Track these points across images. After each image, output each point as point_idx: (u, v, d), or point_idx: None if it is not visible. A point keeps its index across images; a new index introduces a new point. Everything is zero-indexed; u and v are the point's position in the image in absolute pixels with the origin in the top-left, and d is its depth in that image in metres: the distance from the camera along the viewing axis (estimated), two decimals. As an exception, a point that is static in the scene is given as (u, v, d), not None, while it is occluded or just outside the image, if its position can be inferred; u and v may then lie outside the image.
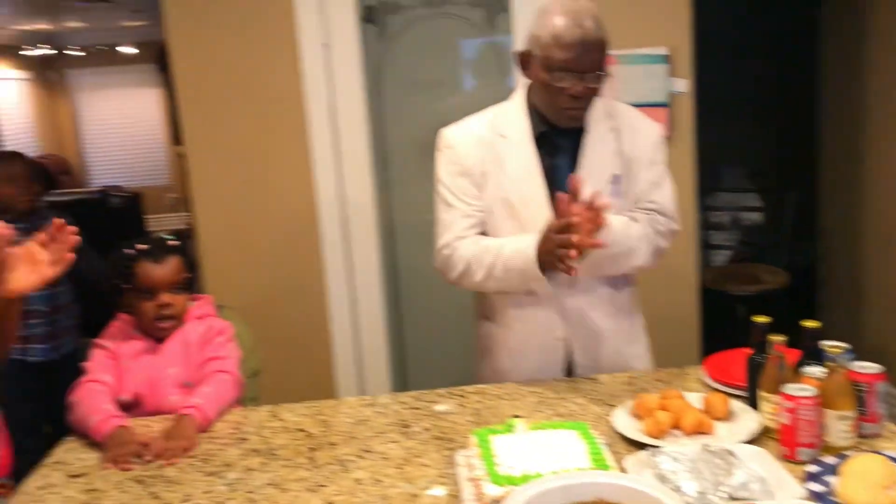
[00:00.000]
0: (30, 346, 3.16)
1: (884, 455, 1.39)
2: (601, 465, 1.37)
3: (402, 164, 3.23)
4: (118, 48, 9.42)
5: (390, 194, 3.25)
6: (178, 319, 1.95)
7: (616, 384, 1.85)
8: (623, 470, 1.41)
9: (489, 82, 3.21)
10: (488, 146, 1.93)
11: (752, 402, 1.62)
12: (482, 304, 2.09)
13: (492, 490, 1.32)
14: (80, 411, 1.79)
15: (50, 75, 9.67)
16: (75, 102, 9.76)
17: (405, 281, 3.30)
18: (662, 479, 1.33)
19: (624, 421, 1.61)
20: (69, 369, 3.19)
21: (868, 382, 1.51)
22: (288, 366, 3.15)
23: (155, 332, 1.93)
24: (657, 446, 1.45)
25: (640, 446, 1.50)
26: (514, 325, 1.99)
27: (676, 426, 1.55)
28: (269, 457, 1.61)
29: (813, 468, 1.40)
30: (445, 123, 2.04)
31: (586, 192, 1.74)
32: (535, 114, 1.92)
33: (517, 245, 1.85)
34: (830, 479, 1.35)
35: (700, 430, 1.54)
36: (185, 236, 2.15)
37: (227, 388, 1.87)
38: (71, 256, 1.54)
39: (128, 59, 9.52)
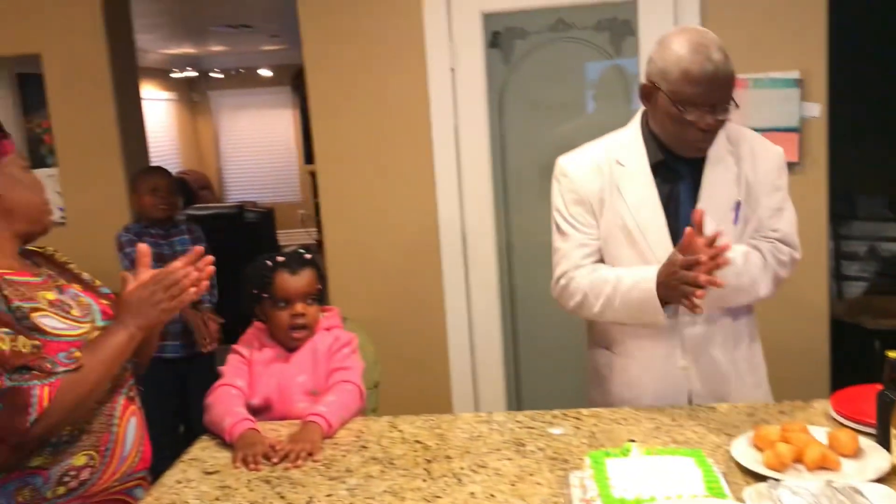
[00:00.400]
0: (166, 344, 3.37)
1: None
2: (717, 493, 1.35)
3: (523, 186, 3.27)
4: (257, 71, 9.91)
5: (509, 216, 3.29)
6: (310, 329, 2.04)
7: (736, 414, 1.82)
8: (740, 500, 1.38)
9: (612, 106, 3.21)
10: (605, 174, 1.93)
11: (883, 441, 1.56)
12: (597, 332, 2.08)
13: (604, 511, 1.32)
14: (215, 413, 1.91)
15: (194, 96, 10.29)
16: (216, 122, 10.34)
17: (522, 302, 3.33)
18: (781, 512, 1.30)
19: (743, 451, 1.58)
20: (201, 374, 3.41)
21: None
22: (406, 379, 3.23)
23: (288, 341, 2.04)
24: (777, 479, 1.42)
25: (759, 478, 1.46)
26: (634, 355, 1.97)
27: (798, 460, 1.51)
28: (388, 465, 1.67)
29: (947, 513, 1.33)
30: (567, 147, 2.06)
31: (709, 226, 1.73)
32: (653, 141, 1.90)
33: (636, 277, 1.84)
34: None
35: (824, 466, 1.49)
36: (313, 251, 2.26)
37: (351, 399, 1.95)
38: (206, 284, 1.68)
39: (265, 82, 10.01)
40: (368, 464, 1.69)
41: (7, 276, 1.55)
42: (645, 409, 1.88)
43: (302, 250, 2.13)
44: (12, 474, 1.53)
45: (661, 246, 1.87)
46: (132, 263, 3.23)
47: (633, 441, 1.61)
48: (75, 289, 1.69)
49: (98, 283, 1.79)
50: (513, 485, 1.55)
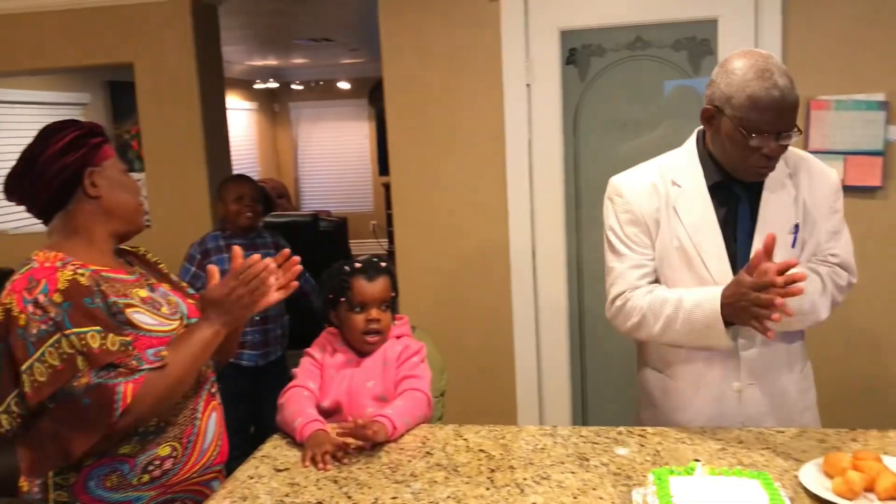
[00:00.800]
0: (243, 352, 3.48)
1: None
2: (783, 517, 1.34)
3: (595, 203, 3.25)
4: (336, 83, 10.13)
5: (580, 232, 3.30)
6: (382, 335, 2.10)
7: (805, 439, 1.79)
8: (806, 526, 1.37)
9: (688, 125, 3.15)
10: (661, 194, 1.93)
11: (960, 474, 1.51)
12: (649, 354, 2.07)
13: (666, 528, 1.33)
14: (287, 413, 1.97)
15: (275, 107, 10.58)
16: (295, 132, 10.60)
17: (590, 318, 3.33)
18: (849, 539, 1.28)
19: (811, 477, 1.55)
20: (274, 375, 3.50)
21: None
22: (472, 389, 3.26)
23: (361, 346, 2.09)
24: (846, 507, 1.40)
25: (827, 505, 1.45)
26: (687, 377, 1.96)
27: (869, 489, 1.48)
28: (452, 472, 1.70)
29: None
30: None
31: (777, 254, 1.72)
32: (711, 162, 1.90)
33: (699, 297, 1.83)
34: None
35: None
36: (384, 260, 2.31)
37: (418, 406, 1.99)
38: (295, 285, 1.75)
39: (343, 94, 10.22)
40: (433, 469, 1.72)
41: (104, 273, 1.64)
42: (711, 430, 1.86)
43: (376, 258, 2.19)
44: (102, 460, 1.62)
45: (719, 268, 1.86)
46: (189, 278, 3.32)
47: (697, 460, 1.61)
48: (165, 288, 1.78)
49: (184, 284, 1.88)
50: (575, 498, 1.56)
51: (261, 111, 10.31)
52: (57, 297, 1.53)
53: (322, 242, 6.35)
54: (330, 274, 2.13)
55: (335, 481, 1.68)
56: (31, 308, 1.52)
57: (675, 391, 1.99)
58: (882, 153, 2.93)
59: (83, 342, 1.52)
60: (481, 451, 1.81)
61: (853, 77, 2.95)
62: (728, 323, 1.79)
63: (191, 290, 1.88)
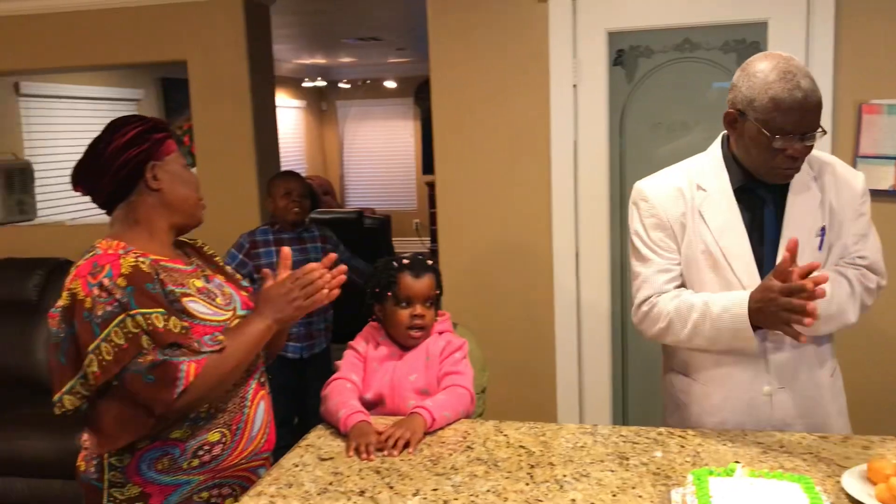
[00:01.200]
0: (288, 344, 3.54)
1: None
2: (823, 521, 1.34)
3: (641, 204, 3.26)
4: (382, 82, 10.21)
5: (624, 234, 3.28)
6: (426, 330, 2.13)
7: (850, 446, 1.78)
8: (847, 531, 1.36)
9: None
10: (686, 199, 1.93)
11: None
12: (675, 358, 2.07)
13: (705, 528, 1.33)
14: (330, 404, 2.02)
15: (322, 105, 10.70)
16: (341, 130, 10.70)
17: (632, 319, 3.31)
18: (890, 545, 1.28)
19: (854, 483, 1.55)
20: (318, 368, 3.57)
21: None
22: (512, 387, 3.28)
23: (405, 340, 2.13)
24: (888, 513, 1.39)
25: (870, 511, 1.44)
26: (716, 381, 1.96)
27: (913, 496, 1.47)
28: (492, 467, 1.73)
29: None
30: (685, 167, 2.06)
31: (804, 257, 1.72)
32: (736, 166, 1.90)
33: (726, 302, 1.82)
34: None
35: (940, 504, 1.45)
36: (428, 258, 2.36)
37: (460, 401, 2.02)
38: (338, 292, 1.80)
39: (389, 93, 10.30)
40: (473, 464, 1.75)
41: (163, 263, 1.71)
42: (752, 433, 1.86)
43: (422, 256, 2.23)
44: (155, 443, 1.68)
45: (746, 271, 1.86)
46: (239, 267, 3.40)
47: (738, 462, 1.61)
48: (220, 279, 1.85)
49: (238, 276, 1.95)
50: (614, 496, 1.58)
51: (309, 109, 10.43)
52: (121, 281, 1.59)
53: (366, 239, 6.41)
54: (378, 268, 2.18)
55: (378, 472, 1.72)
56: (96, 291, 1.58)
57: (703, 395, 1.99)
58: (935, 159, 2.88)
59: (148, 321, 1.59)
60: (521, 447, 1.83)
61: (907, 81, 2.90)
62: (755, 327, 1.79)
63: (244, 283, 1.94)
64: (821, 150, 2.87)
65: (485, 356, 2.49)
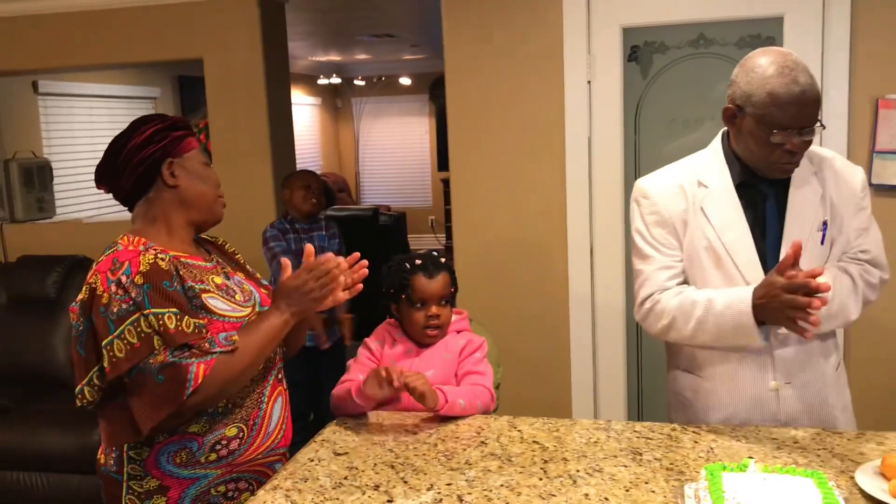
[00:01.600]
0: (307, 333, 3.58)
1: None
2: (836, 516, 1.34)
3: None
4: (397, 79, 10.23)
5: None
6: (442, 329, 2.14)
7: (864, 442, 1.77)
8: (860, 526, 1.36)
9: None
10: (688, 195, 1.93)
11: None
12: (679, 355, 2.07)
13: (717, 522, 1.34)
14: (338, 394, 2.06)
15: (337, 102, 10.73)
16: (356, 127, 10.72)
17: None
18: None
19: (868, 478, 1.54)
20: (333, 360, 3.61)
21: None
22: (527, 383, 3.29)
23: (422, 339, 2.14)
24: (902, 508, 1.39)
25: (883, 506, 1.44)
26: (721, 377, 1.96)
27: (927, 492, 1.47)
28: (506, 462, 1.74)
29: None
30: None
31: (806, 251, 1.75)
32: (736, 162, 1.90)
33: (729, 299, 1.82)
34: None
35: (954, 500, 1.45)
36: (442, 255, 2.36)
37: (478, 395, 2.03)
38: (360, 288, 1.81)
39: (403, 90, 10.31)
40: (487, 459, 1.76)
41: (183, 259, 1.74)
42: (766, 429, 1.86)
43: (436, 253, 2.23)
44: (173, 437, 1.70)
45: (750, 267, 1.86)
46: (274, 257, 3.49)
47: (751, 458, 1.61)
48: (240, 276, 1.87)
49: (258, 275, 1.97)
50: (627, 490, 1.58)
51: (324, 106, 10.47)
52: (138, 279, 1.62)
53: (381, 236, 6.44)
54: (390, 269, 2.17)
55: (392, 466, 1.73)
56: (113, 288, 1.61)
57: (709, 392, 1.98)
58: (953, 154, 2.86)
59: (160, 322, 1.61)
60: (535, 442, 1.84)
61: (924, 76, 2.88)
62: (760, 322, 1.79)
63: (264, 281, 1.96)
64: (836, 145, 2.87)
65: (499, 352, 2.50)
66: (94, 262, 1.69)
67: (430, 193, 10.37)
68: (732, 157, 1.92)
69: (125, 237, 1.73)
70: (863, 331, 2.31)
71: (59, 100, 6.00)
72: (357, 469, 1.73)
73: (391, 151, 10.62)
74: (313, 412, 3.81)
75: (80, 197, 5.99)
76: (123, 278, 1.62)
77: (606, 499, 1.55)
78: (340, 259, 1.77)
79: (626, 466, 1.69)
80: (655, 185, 1.98)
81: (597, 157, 3.24)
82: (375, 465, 1.75)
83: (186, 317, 1.64)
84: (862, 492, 1.51)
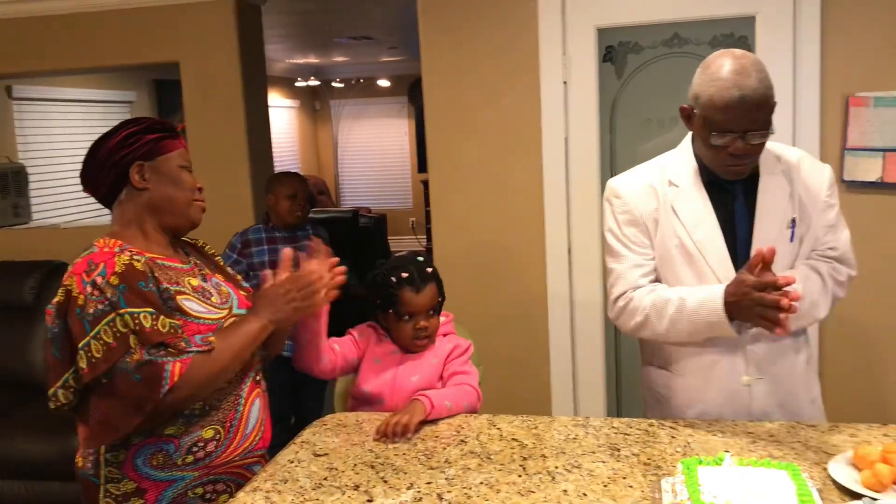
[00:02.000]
0: (285, 342, 3.55)
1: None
2: (809, 506, 1.36)
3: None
4: (376, 81, 10.22)
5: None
6: (431, 339, 2.14)
7: (837, 434, 1.80)
8: (833, 516, 1.39)
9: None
10: (659, 195, 1.95)
11: None
12: (653, 352, 2.09)
13: (693, 515, 1.36)
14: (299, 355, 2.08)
15: (316, 104, 10.71)
16: (335, 129, 10.71)
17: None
18: (875, 529, 1.30)
19: (840, 470, 1.57)
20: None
21: None
22: (507, 382, 3.30)
23: (410, 348, 2.13)
24: (874, 498, 1.42)
25: (855, 497, 1.46)
26: (695, 373, 1.98)
27: (898, 482, 1.50)
28: (485, 460, 1.75)
29: None
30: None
31: (767, 244, 1.76)
32: (702, 161, 1.92)
33: (701, 296, 1.85)
34: None
35: (924, 489, 1.47)
36: (423, 257, 2.34)
37: (464, 395, 2.04)
38: (335, 294, 1.83)
39: (382, 92, 10.30)
40: (467, 457, 1.77)
41: (158, 261, 1.74)
42: (742, 423, 1.88)
43: (421, 258, 2.20)
44: (149, 439, 1.70)
45: (720, 264, 1.89)
46: (233, 265, 3.42)
47: (727, 452, 1.63)
48: (218, 278, 1.87)
49: (239, 277, 1.97)
50: (605, 486, 1.60)
51: (302, 109, 10.44)
52: (114, 280, 1.62)
53: (361, 239, 6.43)
54: (376, 281, 2.14)
55: (372, 466, 1.74)
56: (89, 289, 1.61)
57: (682, 388, 2.01)
58: (923, 150, 2.91)
59: (136, 321, 1.61)
60: (514, 439, 1.85)
61: (892, 73, 2.92)
62: (732, 318, 1.82)
63: (245, 283, 1.96)
64: (808, 143, 2.90)
65: (479, 352, 2.51)
66: (70, 264, 1.69)
67: (411, 195, 10.37)
68: (699, 157, 1.94)
69: (101, 240, 1.73)
70: (833, 325, 2.35)
71: (34, 104, 5.95)
72: (337, 470, 1.73)
73: (371, 153, 10.61)
74: (294, 415, 3.80)
75: (56, 202, 5.94)
76: (99, 279, 1.62)
77: (585, 494, 1.57)
78: (324, 270, 1.79)
79: (604, 462, 1.71)
80: (626, 185, 2.00)
81: (573, 157, 3.27)
82: (355, 465, 1.75)
83: (162, 316, 1.65)
84: (835, 483, 1.54)
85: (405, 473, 1.70)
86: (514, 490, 1.60)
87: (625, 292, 1.97)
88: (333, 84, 10.48)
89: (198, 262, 1.87)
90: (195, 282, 1.78)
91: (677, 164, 1.97)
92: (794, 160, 1.95)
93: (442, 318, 2.19)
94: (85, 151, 1.79)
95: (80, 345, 1.61)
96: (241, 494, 1.64)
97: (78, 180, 1.82)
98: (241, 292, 1.89)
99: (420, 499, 1.57)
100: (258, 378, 1.88)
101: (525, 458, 1.75)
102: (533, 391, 3.38)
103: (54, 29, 4.07)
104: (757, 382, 1.94)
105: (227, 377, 1.74)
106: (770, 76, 1.78)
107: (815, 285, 1.89)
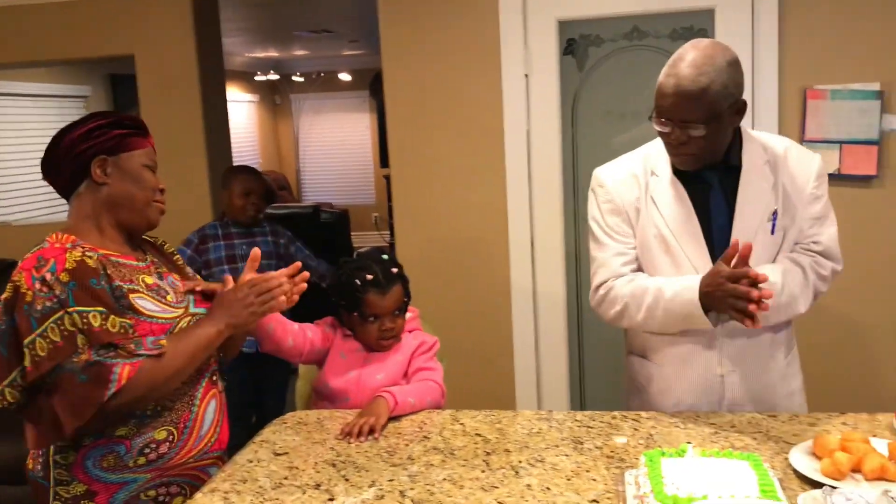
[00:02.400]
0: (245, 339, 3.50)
1: None
2: (771, 496, 1.36)
3: (594, 192, 3.28)
4: (337, 75, 10.14)
5: (578, 222, 3.32)
6: (396, 338, 2.11)
7: (797, 423, 1.81)
8: (794, 505, 1.39)
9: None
10: (640, 184, 1.96)
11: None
12: (634, 341, 2.10)
13: (656, 508, 1.35)
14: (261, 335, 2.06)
15: (276, 99, 10.59)
16: (296, 124, 10.61)
17: (588, 307, 3.34)
18: (835, 518, 1.31)
19: (801, 459, 1.58)
20: (275, 364, 3.52)
21: None
22: (471, 377, 3.29)
23: (376, 349, 2.11)
24: (834, 486, 1.42)
25: (816, 486, 1.47)
26: (672, 363, 1.99)
27: (857, 469, 1.51)
28: (449, 456, 1.73)
29: None
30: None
31: (746, 236, 1.79)
32: None
33: (678, 287, 1.85)
34: None
35: (882, 477, 1.48)
36: (386, 252, 2.31)
37: (428, 391, 2.02)
38: (295, 299, 1.79)
39: (344, 86, 10.23)
40: (430, 453, 1.75)
41: (112, 258, 1.69)
42: (704, 414, 1.89)
43: (385, 256, 2.17)
44: (100, 440, 1.65)
45: (697, 254, 1.89)
46: (190, 262, 3.37)
47: (689, 443, 1.63)
48: (174, 277, 1.82)
49: (198, 277, 1.93)
50: (568, 480, 1.59)
51: (262, 103, 10.32)
52: (63, 277, 1.57)
53: (323, 234, 6.36)
54: (340, 281, 2.11)
55: (333, 465, 1.71)
56: (37, 285, 1.57)
57: (660, 377, 2.02)
58: (877, 142, 2.94)
59: (85, 320, 1.57)
60: (478, 434, 1.84)
61: (849, 67, 2.96)
62: (708, 310, 1.82)
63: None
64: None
65: (442, 346, 2.49)
66: (21, 260, 1.64)
67: (374, 190, 10.31)
68: None
69: (54, 235, 1.68)
70: (812, 318, 2.34)
71: (-17, 99, 5.80)
72: (297, 469, 1.70)
73: (332, 148, 10.52)
74: (255, 414, 3.75)
75: (8, 199, 5.79)
76: (48, 276, 1.57)
77: (548, 488, 1.56)
78: (283, 278, 1.75)
79: (567, 455, 1.70)
80: (610, 175, 2.01)
81: (535, 151, 3.26)
82: (316, 463, 1.72)
83: (112, 316, 1.60)
84: (796, 472, 1.54)
85: (367, 471, 1.67)
86: (478, 486, 1.58)
87: (606, 281, 1.98)
88: (294, 78, 10.38)
89: (154, 259, 1.82)
90: (150, 280, 1.73)
91: (659, 154, 1.96)
92: (780, 150, 1.94)
93: (408, 315, 2.17)
94: (39, 147, 1.74)
95: (25, 341, 1.56)
96: (198, 495, 1.60)
97: (31, 177, 1.76)
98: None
99: (382, 497, 1.55)
100: (214, 378, 1.83)
101: (489, 453, 1.73)
102: (497, 385, 3.37)
103: (3, 21, 3.95)
104: (730, 374, 1.94)
105: (179, 381, 1.70)
106: (728, 73, 1.76)
107: (795, 279, 1.88)
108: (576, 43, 3.22)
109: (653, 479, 1.44)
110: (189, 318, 1.74)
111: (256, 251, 1.83)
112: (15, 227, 4.57)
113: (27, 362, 1.56)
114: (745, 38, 3.00)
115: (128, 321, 1.63)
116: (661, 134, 1.84)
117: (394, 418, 1.94)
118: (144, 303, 1.68)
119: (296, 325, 2.08)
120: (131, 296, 1.66)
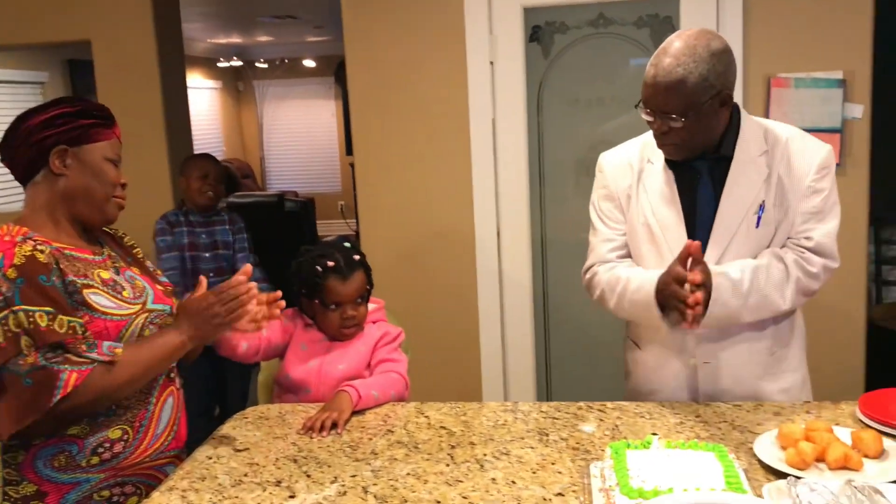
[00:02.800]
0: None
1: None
2: (736, 488, 1.36)
3: (559, 181, 3.28)
4: (301, 61, 10.02)
5: (545, 210, 3.30)
6: (359, 327, 2.08)
7: (762, 413, 1.81)
8: (759, 496, 1.39)
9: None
10: (634, 171, 1.95)
11: (909, 443, 1.55)
12: (629, 326, 2.12)
13: (622, 501, 1.34)
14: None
15: (239, 85, 10.44)
16: (260, 111, 10.47)
17: (554, 296, 3.34)
18: (800, 509, 1.30)
19: (765, 449, 1.58)
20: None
21: None
22: (437, 368, 3.27)
23: (338, 338, 2.07)
24: (798, 476, 1.42)
25: (780, 476, 1.47)
26: (652, 348, 2.00)
27: (821, 459, 1.51)
28: (413, 449, 1.70)
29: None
30: (604, 143, 2.08)
31: (730, 228, 1.81)
32: None
33: (641, 280, 1.86)
34: None
35: (846, 466, 1.49)
36: (351, 241, 2.27)
37: (391, 384, 1.99)
38: (267, 324, 1.78)
39: (309, 72, 10.11)
40: (393, 447, 1.72)
41: (66, 251, 1.62)
42: (669, 405, 1.88)
43: (348, 244, 2.13)
44: (51, 440, 1.60)
45: (678, 244, 1.86)
46: (158, 254, 3.32)
47: (655, 434, 1.63)
48: (134, 271, 1.76)
49: (158, 272, 1.86)
50: (534, 472, 1.57)
51: (225, 90, 10.17)
52: (11, 273, 1.51)
53: (288, 223, 6.30)
54: (300, 268, 2.07)
55: (295, 460, 1.68)
56: None
57: (644, 363, 2.03)
58: (840, 130, 2.97)
59: (31, 320, 1.51)
60: (442, 427, 1.81)
61: (812, 55, 2.97)
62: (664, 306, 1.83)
63: (162, 278, 1.85)
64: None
65: (407, 338, 2.46)
66: None
67: (339, 178, 10.22)
68: None
69: (5, 227, 1.62)
70: (810, 309, 2.32)
71: (-66, 85, 5.63)
72: (258, 465, 1.67)
73: (297, 136, 10.40)
74: (218, 407, 3.69)
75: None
76: None
77: (514, 482, 1.54)
78: (252, 285, 1.69)
79: (532, 448, 1.68)
80: (608, 160, 2.02)
81: (501, 139, 3.23)
82: (277, 459, 1.69)
83: (60, 315, 1.54)
84: (760, 462, 1.54)
85: (329, 466, 1.64)
86: (442, 480, 1.56)
87: (592, 265, 2.01)
88: (257, 64, 10.24)
89: (112, 253, 1.76)
90: (106, 275, 1.67)
91: (655, 142, 1.93)
92: (782, 140, 1.86)
93: (373, 305, 2.14)
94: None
95: None
96: (155, 494, 1.56)
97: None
98: (158, 287, 1.79)
99: (344, 493, 1.52)
100: (172, 375, 1.78)
101: (453, 447, 1.71)
102: (463, 377, 3.35)
103: (-47, 4, 3.83)
104: (704, 366, 1.93)
105: (134, 389, 1.65)
106: (709, 64, 1.72)
107: (771, 277, 1.82)
108: (541, 30, 3.19)
109: (618, 471, 1.43)
110: (146, 314, 1.69)
111: (248, 267, 1.74)
112: (-32, 217, 4.45)
113: None
114: (709, 26, 2.99)
115: (78, 321, 1.57)
116: (647, 122, 1.84)
117: (357, 412, 1.91)
118: (99, 299, 1.62)
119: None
120: (85, 291, 1.60)
